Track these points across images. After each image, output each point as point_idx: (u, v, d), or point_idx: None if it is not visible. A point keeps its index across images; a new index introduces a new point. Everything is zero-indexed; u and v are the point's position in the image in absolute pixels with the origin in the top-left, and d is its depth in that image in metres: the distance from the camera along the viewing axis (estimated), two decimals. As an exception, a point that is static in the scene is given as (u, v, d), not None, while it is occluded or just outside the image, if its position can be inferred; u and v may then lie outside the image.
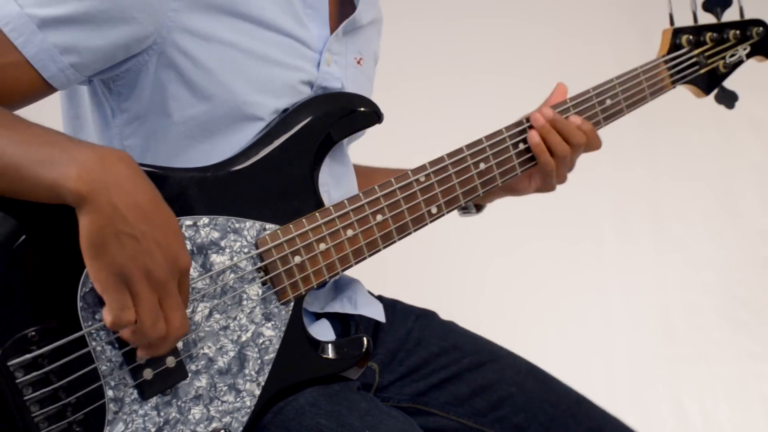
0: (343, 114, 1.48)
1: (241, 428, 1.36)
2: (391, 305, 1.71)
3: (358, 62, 1.58)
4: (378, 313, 1.62)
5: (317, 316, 1.55)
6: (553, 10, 3.74)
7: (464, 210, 1.76)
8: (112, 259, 1.15)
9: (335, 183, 1.54)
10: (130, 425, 1.28)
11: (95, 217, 1.14)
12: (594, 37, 3.66)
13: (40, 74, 1.29)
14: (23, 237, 1.21)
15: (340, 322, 1.58)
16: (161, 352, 1.24)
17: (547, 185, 1.70)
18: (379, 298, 1.70)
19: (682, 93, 1.94)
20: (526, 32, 3.70)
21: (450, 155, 1.54)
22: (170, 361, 1.30)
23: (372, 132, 1.64)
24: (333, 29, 1.52)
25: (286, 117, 1.44)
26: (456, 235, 3.22)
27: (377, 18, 1.67)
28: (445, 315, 1.74)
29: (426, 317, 1.71)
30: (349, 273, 1.63)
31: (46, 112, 1.38)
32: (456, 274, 3.56)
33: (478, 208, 1.78)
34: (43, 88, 1.32)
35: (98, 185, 1.14)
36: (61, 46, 1.28)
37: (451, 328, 1.72)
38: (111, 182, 1.15)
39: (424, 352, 1.66)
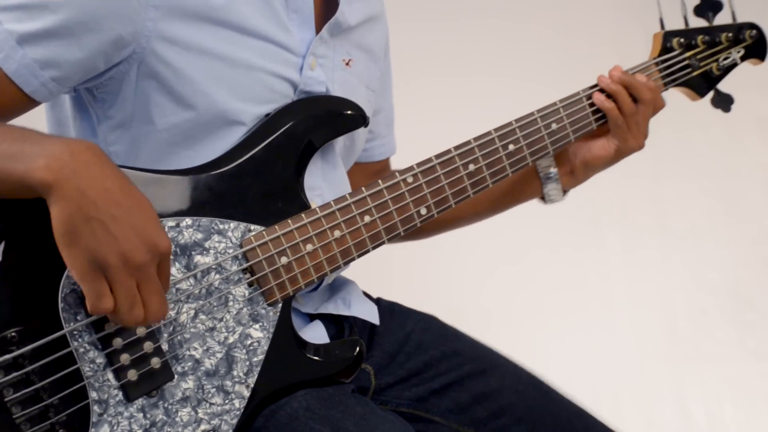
0: (328, 117, 1.48)
1: (230, 431, 1.34)
2: (389, 308, 1.69)
3: (347, 63, 1.58)
4: (371, 315, 1.60)
5: (311, 318, 1.54)
6: (556, 10, 3.75)
7: (550, 197, 1.77)
8: (86, 246, 1.15)
9: (329, 186, 1.53)
10: (115, 427, 1.26)
11: (64, 204, 1.14)
12: (597, 38, 3.66)
13: (22, 89, 1.31)
14: (3, 239, 1.21)
15: (335, 324, 1.57)
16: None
17: (625, 143, 1.71)
18: (378, 300, 1.69)
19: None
20: (530, 33, 3.70)
21: (438, 156, 1.54)
22: (155, 362, 1.29)
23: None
24: (319, 32, 1.52)
25: (269, 121, 1.44)
26: (458, 239, 3.20)
27: (374, 15, 1.65)
28: (446, 320, 1.72)
29: (426, 321, 1.69)
30: (349, 275, 1.62)
31: (32, 117, 1.39)
32: (458, 278, 3.53)
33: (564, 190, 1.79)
34: (26, 103, 1.33)
35: (65, 173, 1.15)
36: (41, 60, 1.30)
37: (452, 332, 1.69)
38: (78, 169, 1.15)
39: (424, 356, 1.63)
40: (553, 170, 1.74)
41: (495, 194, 1.73)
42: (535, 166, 1.73)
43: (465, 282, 3.53)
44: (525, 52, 3.68)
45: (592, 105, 1.70)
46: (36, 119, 1.41)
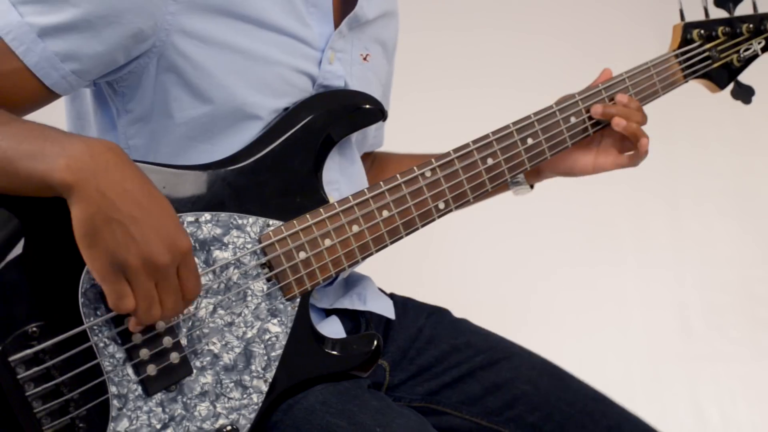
0: (346, 111, 1.48)
1: (248, 425, 1.35)
2: (402, 303, 1.69)
3: (365, 58, 1.58)
4: (387, 310, 1.60)
5: (327, 313, 1.54)
6: (568, 19, 3.75)
7: (516, 184, 1.75)
8: (106, 247, 1.15)
9: (346, 181, 1.53)
10: (134, 421, 1.27)
11: (84, 205, 1.15)
12: (610, 39, 3.66)
13: (42, 82, 1.31)
14: (25, 234, 1.22)
15: (350, 319, 1.57)
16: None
17: (632, 163, 1.70)
18: (391, 295, 1.69)
19: (700, 90, 1.91)
20: (543, 34, 3.72)
21: (456, 150, 1.53)
22: (174, 357, 1.29)
23: (395, 136, 1.61)
24: (337, 26, 1.52)
25: (287, 115, 1.44)
26: (471, 237, 3.20)
27: (389, 11, 1.65)
28: (458, 313, 1.72)
29: (438, 315, 1.69)
30: (361, 270, 1.62)
31: (53, 112, 1.39)
32: (472, 276, 3.54)
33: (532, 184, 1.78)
34: (46, 95, 1.33)
35: (86, 174, 1.15)
36: (61, 53, 1.30)
37: (463, 325, 1.70)
38: (99, 170, 1.16)
39: (435, 350, 1.64)
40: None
41: None
42: None
43: (479, 281, 3.54)
44: (540, 52, 3.68)
45: (611, 98, 1.69)
46: (55, 112, 1.42)
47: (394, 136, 1.82)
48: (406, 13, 1.75)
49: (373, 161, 1.81)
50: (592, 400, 1.64)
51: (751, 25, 1.88)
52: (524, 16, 3.72)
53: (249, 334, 1.36)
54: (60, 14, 1.28)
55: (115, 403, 1.26)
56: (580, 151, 1.70)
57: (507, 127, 1.59)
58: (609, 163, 1.70)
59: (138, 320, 1.21)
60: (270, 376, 1.37)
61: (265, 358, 1.37)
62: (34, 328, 1.21)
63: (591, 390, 1.66)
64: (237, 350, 1.35)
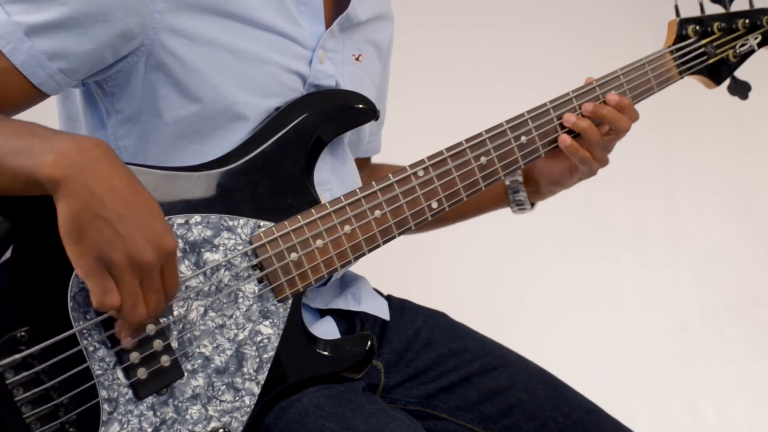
0: (339, 111, 1.47)
1: (241, 428, 1.34)
2: (399, 304, 1.68)
3: (357, 59, 1.57)
4: (382, 311, 1.59)
5: (322, 314, 1.53)
6: (563, 16, 3.76)
7: (519, 207, 1.76)
8: (91, 244, 1.15)
9: (338, 181, 1.52)
10: (125, 425, 1.26)
11: (71, 201, 1.14)
12: (608, 43, 3.66)
13: (30, 81, 1.30)
14: (12, 238, 1.21)
15: (345, 319, 1.56)
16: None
17: (590, 173, 1.68)
18: (388, 297, 1.68)
19: (698, 89, 1.90)
20: (541, 34, 3.72)
21: (449, 149, 1.52)
22: (164, 360, 1.28)
23: (388, 135, 1.60)
24: (329, 26, 1.51)
25: (279, 115, 1.43)
26: (468, 237, 3.19)
27: (382, 13, 1.65)
28: (456, 316, 1.71)
29: (436, 318, 1.68)
30: (360, 272, 1.61)
31: (47, 114, 1.39)
32: (468, 274, 3.53)
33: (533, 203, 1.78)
34: (33, 94, 1.32)
35: (73, 170, 1.14)
36: (49, 52, 1.29)
37: (461, 329, 1.68)
38: (87, 167, 1.15)
39: (432, 353, 1.63)
40: (521, 186, 1.73)
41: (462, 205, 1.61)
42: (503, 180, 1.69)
43: (475, 278, 3.53)
44: (534, 50, 3.68)
45: (605, 95, 1.68)
46: (48, 115, 1.41)
47: (387, 135, 1.81)
48: (400, 11, 1.74)
49: (370, 172, 1.80)
50: (587, 412, 1.64)
51: (747, 21, 1.87)
52: (519, 14, 3.71)
53: (240, 336, 1.35)
54: (47, 12, 1.28)
55: (105, 407, 1.25)
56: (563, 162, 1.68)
57: (500, 125, 1.57)
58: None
59: (124, 318, 1.19)
60: (262, 378, 1.36)
61: (257, 360, 1.36)
62: (23, 333, 1.20)
63: (586, 402, 1.66)
64: (228, 352, 1.34)
